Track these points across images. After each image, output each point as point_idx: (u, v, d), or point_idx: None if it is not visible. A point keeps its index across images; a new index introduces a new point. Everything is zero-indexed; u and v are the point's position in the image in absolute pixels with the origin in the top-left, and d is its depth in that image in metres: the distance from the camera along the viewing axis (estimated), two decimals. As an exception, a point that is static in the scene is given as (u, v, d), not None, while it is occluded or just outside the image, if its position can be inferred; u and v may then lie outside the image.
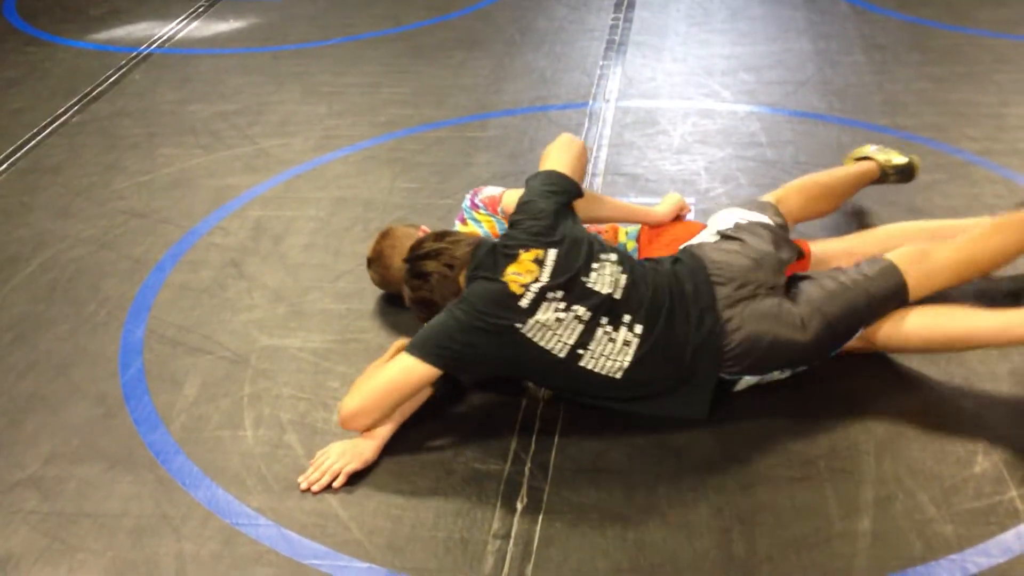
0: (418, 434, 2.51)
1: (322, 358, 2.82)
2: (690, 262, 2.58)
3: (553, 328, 2.40)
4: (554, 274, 2.45)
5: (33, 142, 4.22)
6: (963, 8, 5.06)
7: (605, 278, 2.47)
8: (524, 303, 2.41)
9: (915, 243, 2.62)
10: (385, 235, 2.94)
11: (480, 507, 2.29)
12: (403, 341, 2.53)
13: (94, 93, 4.68)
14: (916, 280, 2.54)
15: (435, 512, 2.29)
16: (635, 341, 2.42)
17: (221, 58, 5.05)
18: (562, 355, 2.40)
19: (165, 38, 5.33)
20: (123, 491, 2.40)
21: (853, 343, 2.56)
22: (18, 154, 4.12)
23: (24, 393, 2.76)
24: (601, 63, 4.69)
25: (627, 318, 2.43)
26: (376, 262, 2.94)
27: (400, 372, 2.42)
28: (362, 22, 5.40)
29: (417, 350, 2.41)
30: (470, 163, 3.81)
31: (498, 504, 2.30)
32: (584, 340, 2.40)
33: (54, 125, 4.36)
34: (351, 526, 2.26)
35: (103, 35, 5.42)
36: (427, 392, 2.50)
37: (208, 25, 5.51)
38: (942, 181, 3.47)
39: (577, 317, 2.41)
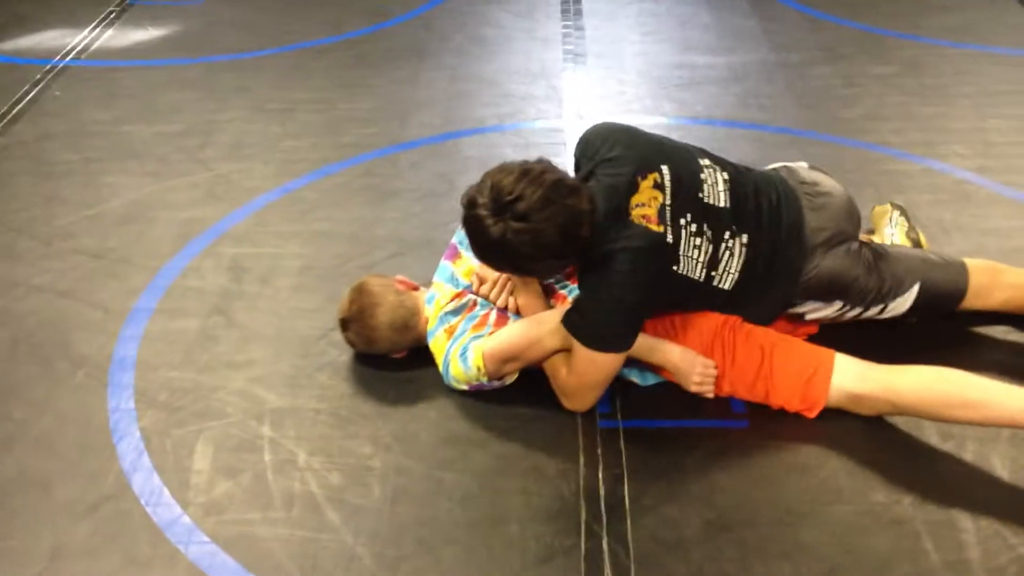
0: (478, 509, 2.29)
1: (344, 420, 2.56)
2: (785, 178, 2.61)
3: (693, 255, 2.41)
4: (675, 195, 2.40)
5: (-47, 171, 3.80)
6: (909, 15, 5.06)
7: (718, 189, 2.47)
8: (670, 239, 2.37)
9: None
10: (360, 291, 2.69)
11: (566, 591, 2.10)
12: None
13: (12, 113, 4.25)
14: (974, 290, 2.66)
15: (518, 600, 2.08)
16: (744, 250, 2.46)
17: (148, 71, 4.67)
18: (700, 278, 2.43)
19: (80, 48, 4.90)
20: (154, 593, 2.12)
21: (876, 398, 2.44)
22: (-62, 185, 3.71)
23: (8, 473, 2.42)
24: (564, 75, 4.51)
25: (737, 227, 2.46)
26: (357, 321, 2.67)
27: (604, 363, 2.41)
28: (297, 29, 5.08)
29: (604, 344, 2.38)
30: (453, 187, 3.57)
31: (585, 586, 2.11)
32: (714, 258, 2.44)
33: (-26, 150, 3.95)
34: (428, 622, 2.04)
35: (8, 45, 4.95)
36: None
37: (125, 33, 5.10)
38: (944, 200, 3.41)
39: (707, 238, 2.42)
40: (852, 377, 2.46)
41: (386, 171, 3.74)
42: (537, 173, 2.27)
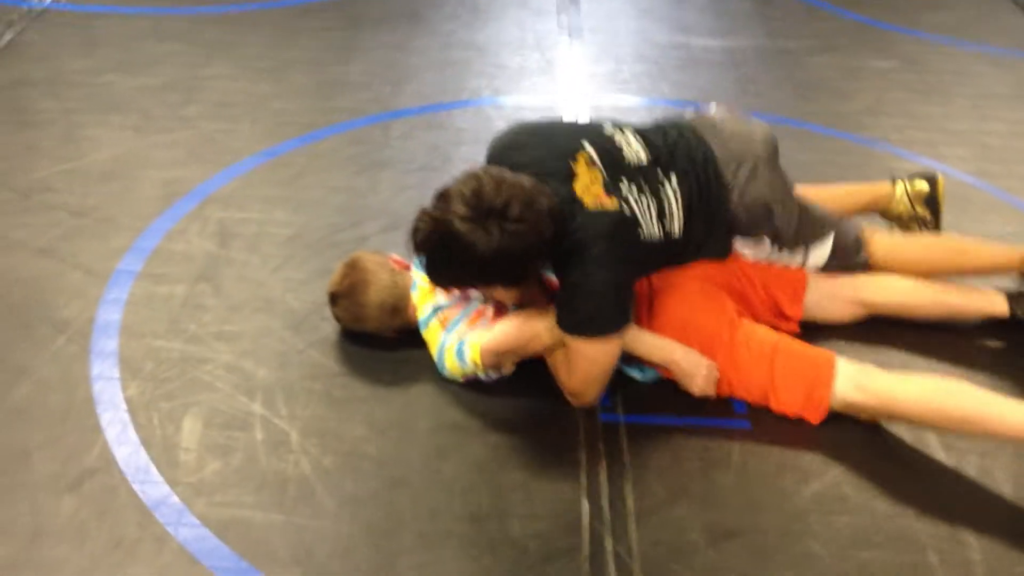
0: (478, 503, 2.22)
1: (338, 401, 2.48)
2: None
3: (646, 216, 2.38)
4: (607, 166, 2.39)
5: (-75, 113, 3.64)
6: (905, 9, 5.02)
7: (634, 148, 2.47)
8: (626, 210, 2.34)
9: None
10: (354, 267, 2.61)
11: (570, 594, 2.04)
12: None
13: (-13, 54, 4.09)
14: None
15: (520, 601, 2.02)
16: (679, 188, 2.44)
17: (130, 19, 4.50)
18: (660, 236, 2.40)
19: (57, -10, 4.72)
20: (142, 578, 2.03)
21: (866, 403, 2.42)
22: (-91, 128, 3.54)
23: (-17, 443, 2.32)
24: (558, 49, 4.42)
25: (664, 172, 2.45)
26: (347, 297, 2.60)
27: (601, 355, 2.36)
28: (282, -15, 4.93)
29: (599, 328, 2.32)
30: (448, 160, 3.48)
31: (589, 589, 2.05)
32: (660, 210, 2.41)
33: (-54, 93, 3.78)
34: (428, 621, 1.97)
35: (-20, -18, 4.76)
36: None
37: (105, -23, 4.92)
38: (945, 203, 3.37)
39: (647, 194, 2.40)
40: (851, 387, 2.41)
41: (377, 139, 3.64)
42: (511, 177, 2.23)
